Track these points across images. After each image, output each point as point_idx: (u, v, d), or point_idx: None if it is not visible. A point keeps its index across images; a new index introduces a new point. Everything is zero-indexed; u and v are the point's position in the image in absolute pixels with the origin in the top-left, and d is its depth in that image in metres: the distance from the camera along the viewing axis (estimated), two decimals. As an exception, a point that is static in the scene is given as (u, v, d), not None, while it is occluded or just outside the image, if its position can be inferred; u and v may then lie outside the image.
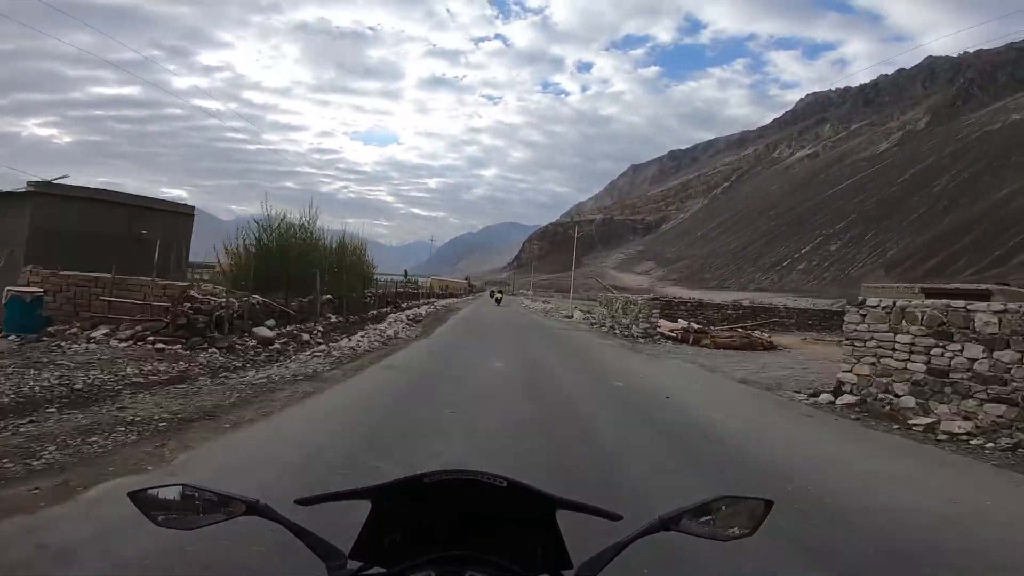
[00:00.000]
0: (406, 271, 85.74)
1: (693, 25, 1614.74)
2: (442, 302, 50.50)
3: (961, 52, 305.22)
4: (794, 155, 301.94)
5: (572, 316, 37.73)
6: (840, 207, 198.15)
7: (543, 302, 69.74)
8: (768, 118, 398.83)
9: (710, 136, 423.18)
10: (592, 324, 30.88)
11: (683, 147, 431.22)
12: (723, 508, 1.00)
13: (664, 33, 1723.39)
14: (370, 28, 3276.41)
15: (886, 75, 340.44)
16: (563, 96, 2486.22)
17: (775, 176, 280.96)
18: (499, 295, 59.24)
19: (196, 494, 0.89)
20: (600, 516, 0.99)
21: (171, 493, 0.88)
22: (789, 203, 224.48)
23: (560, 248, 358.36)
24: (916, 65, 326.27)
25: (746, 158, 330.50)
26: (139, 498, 0.88)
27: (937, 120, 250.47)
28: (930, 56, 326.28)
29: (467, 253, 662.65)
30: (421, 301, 43.53)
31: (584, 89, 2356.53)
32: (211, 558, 2.94)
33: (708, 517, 1.00)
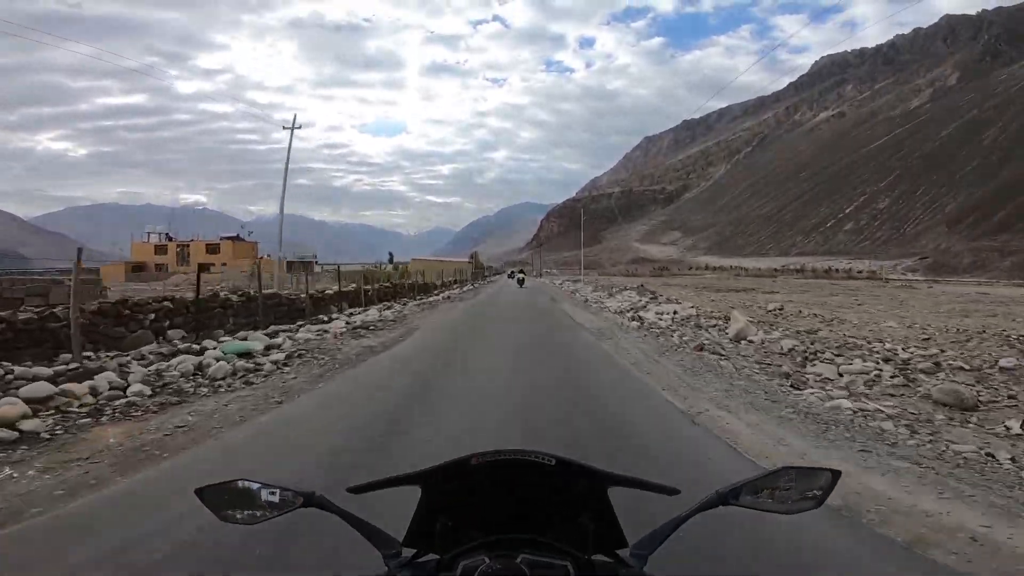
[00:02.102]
0: (391, 254, 67.98)
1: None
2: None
3: (980, 10, 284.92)
4: (817, 116, 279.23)
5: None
6: (880, 164, 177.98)
7: (637, 292, 26.46)
8: (783, 82, 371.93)
9: (722, 104, 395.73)
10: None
11: (696, 116, 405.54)
12: (786, 480, 0.90)
13: (664, 3, 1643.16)
14: (365, 19, 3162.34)
15: (903, 34, 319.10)
16: (568, 73, 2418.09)
17: (800, 138, 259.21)
18: (521, 275, 48.61)
19: (255, 487, 0.87)
20: (655, 491, 0.89)
21: (233, 488, 0.87)
22: (820, 163, 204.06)
23: (579, 225, 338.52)
24: (934, 24, 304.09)
25: (766, 122, 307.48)
26: (204, 494, 0.87)
27: (968, 76, 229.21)
28: (948, 15, 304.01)
29: (485, 236, 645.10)
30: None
31: (588, 65, 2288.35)
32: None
33: (770, 489, 0.90)
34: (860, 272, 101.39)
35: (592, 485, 0.88)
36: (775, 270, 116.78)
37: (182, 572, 2.71)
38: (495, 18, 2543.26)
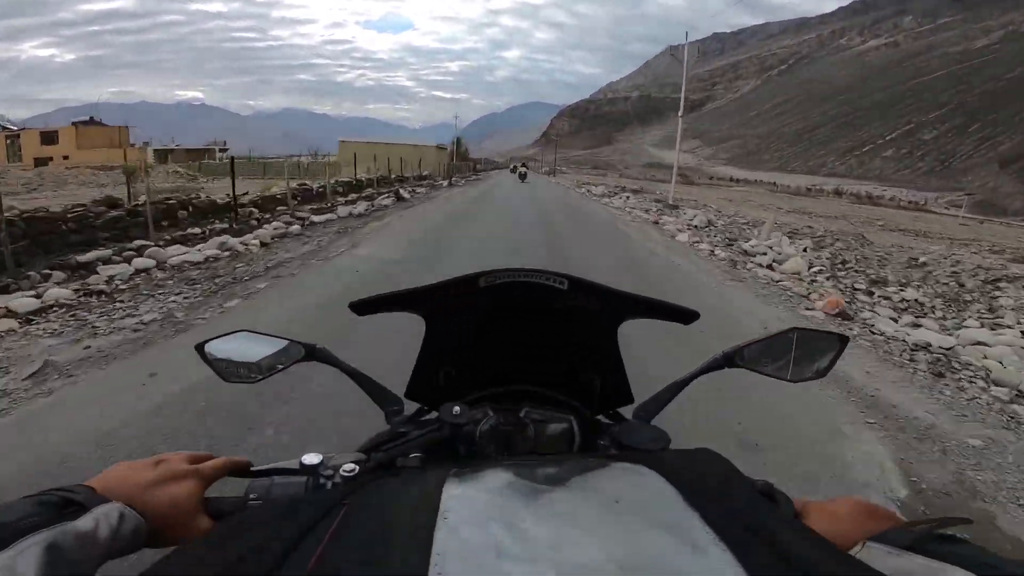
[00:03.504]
0: (316, 152, 52.73)
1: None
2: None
3: None
4: (867, 43, 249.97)
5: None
6: (932, 97, 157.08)
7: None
8: (830, 6, 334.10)
9: (758, 21, 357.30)
10: None
11: (727, 31, 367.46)
12: (792, 343, 0.81)
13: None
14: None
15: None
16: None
17: (844, 62, 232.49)
18: (523, 169, 42.01)
19: (256, 339, 0.81)
20: (672, 318, 0.81)
21: (233, 341, 0.81)
22: (865, 89, 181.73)
23: (592, 125, 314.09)
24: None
25: (806, 43, 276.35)
26: (204, 350, 0.80)
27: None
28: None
29: (492, 132, 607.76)
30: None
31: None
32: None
33: (776, 352, 0.82)
34: (912, 203, 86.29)
35: (604, 317, 0.82)
36: (808, 189, 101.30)
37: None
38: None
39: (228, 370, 0.81)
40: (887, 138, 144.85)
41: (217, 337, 0.81)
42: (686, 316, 0.81)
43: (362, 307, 0.81)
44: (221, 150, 53.11)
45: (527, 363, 0.83)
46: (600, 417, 0.84)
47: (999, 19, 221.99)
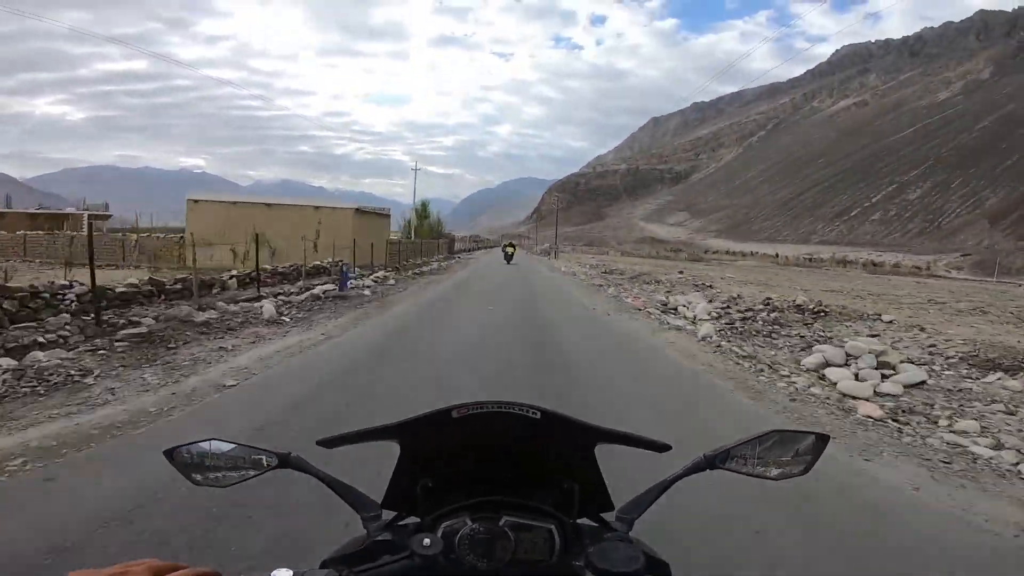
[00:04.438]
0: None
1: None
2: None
3: (1016, 7, 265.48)
4: (837, 104, 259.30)
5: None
6: (909, 154, 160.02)
7: None
8: (799, 70, 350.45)
9: (734, 89, 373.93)
10: None
11: (707, 99, 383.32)
12: (773, 444, 0.83)
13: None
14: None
15: (931, 28, 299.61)
16: (576, 51, 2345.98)
17: (818, 125, 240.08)
18: (510, 249, 39.84)
19: (227, 448, 0.80)
20: (645, 448, 0.82)
21: (204, 448, 0.80)
22: (842, 151, 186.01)
23: (582, 200, 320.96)
24: (967, 19, 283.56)
25: (782, 107, 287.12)
26: (175, 456, 0.79)
27: (1002, 71, 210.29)
28: (982, 10, 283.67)
29: (486, 209, 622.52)
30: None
31: (599, 43, 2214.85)
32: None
33: (757, 454, 0.83)
34: (916, 268, 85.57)
35: (579, 442, 0.82)
36: (808, 259, 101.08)
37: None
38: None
39: (197, 475, 0.79)
40: (873, 200, 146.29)
41: (187, 443, 0.79)
42: (659, 447, 0.82)
43: (332, 443, 0.81)
44: (95, 216, 35.61)
45: (505, 473, 0.83)
46: (583, 520, 0.83)
47: (956, 70, 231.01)
